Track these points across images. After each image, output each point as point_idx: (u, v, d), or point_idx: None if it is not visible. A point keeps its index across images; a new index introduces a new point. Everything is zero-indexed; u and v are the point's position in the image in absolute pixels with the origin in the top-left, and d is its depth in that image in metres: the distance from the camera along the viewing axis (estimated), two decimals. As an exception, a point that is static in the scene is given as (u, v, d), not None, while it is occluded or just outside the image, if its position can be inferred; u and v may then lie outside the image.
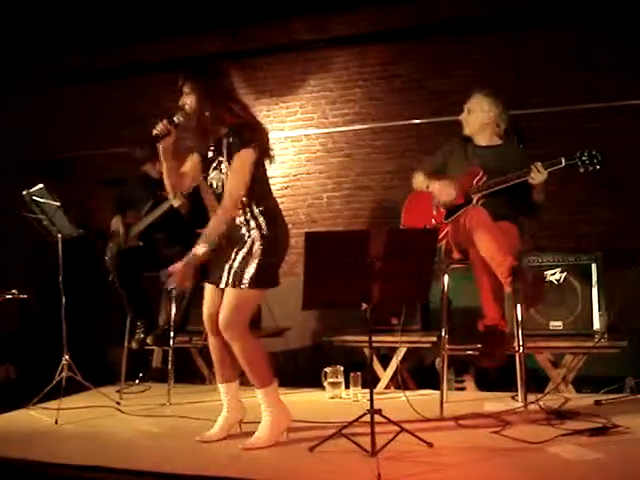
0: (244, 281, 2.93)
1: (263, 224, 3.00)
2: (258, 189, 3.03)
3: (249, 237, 3.00)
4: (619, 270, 3.96)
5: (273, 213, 3.07)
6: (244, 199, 3.00)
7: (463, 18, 5.38)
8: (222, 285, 3.00)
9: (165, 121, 3.01)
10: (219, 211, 3.00)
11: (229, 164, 2.98)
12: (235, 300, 2.95)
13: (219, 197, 3.05)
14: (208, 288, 3.14)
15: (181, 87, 3.02)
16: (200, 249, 2.94)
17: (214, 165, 3.06)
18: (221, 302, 3.04)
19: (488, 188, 3.53)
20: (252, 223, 3.00)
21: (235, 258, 2.98)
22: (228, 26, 5.85)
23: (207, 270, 3.13)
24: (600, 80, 5.06)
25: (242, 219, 3.02)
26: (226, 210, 2.98)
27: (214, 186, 3.06)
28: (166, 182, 3.15)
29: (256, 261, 2.95)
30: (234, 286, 2.94)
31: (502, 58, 5.30)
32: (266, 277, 2.99)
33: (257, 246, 2.97)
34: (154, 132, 3.01)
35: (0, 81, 6.23)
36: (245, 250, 2.98)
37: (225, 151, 3.00)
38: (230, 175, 2.97)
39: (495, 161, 3.59)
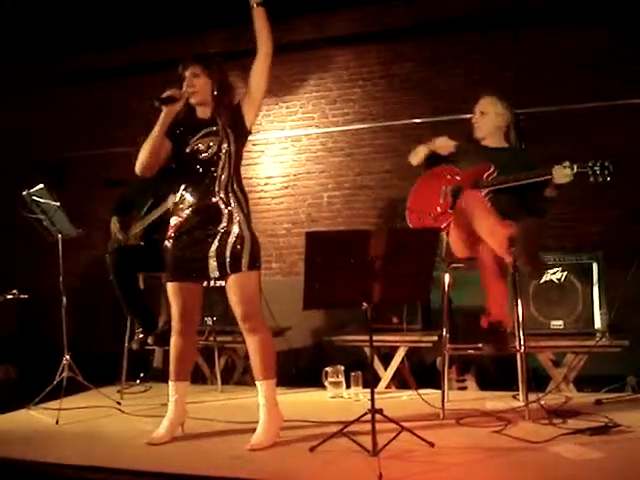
0: (243, 265, 2.96)
1: (244, 205, 3.05)
2: (239, 173, 3.09)
3: (230, 218, 3.00)
4: (620, 269, 3.95)
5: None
6: (232, 170, 3.03)
7: (463, 18, 5.38)
8: (215, 274, 3.00)
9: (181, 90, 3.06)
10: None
11: (233, 123, 3.07)
12: (245, 285, 2.97)
13: (203, 164, 3.03)
14: (176, 289, 3.09)
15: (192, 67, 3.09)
16: None
17: (203, 133, 3.05)
18: (194, 301, 3.09)
19: (500, 183, 3.45)
20: (233, 201, 3.02)
21: (222, 246, 2.97)
22: (228, 26, 5.84)
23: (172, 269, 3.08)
24: (600, 79, 5.06)
25: (223, 195, 3.02)
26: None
27: (201, 149, 3.04)
28: (145, 153, 3.06)
29: (249, 244, 2.99)
30: (235, 271, 2.95)
31: (502, 58, 5.30)
32: (259, 257, 3.05)
33: (244, 226, 3.01)
34: (168, 92, 3.03)
35: (0, 81, 6.23)
36: (235, 234, 2.99)
37: (230, 118, 3.08)
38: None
39: (503, 164, 3.51)
